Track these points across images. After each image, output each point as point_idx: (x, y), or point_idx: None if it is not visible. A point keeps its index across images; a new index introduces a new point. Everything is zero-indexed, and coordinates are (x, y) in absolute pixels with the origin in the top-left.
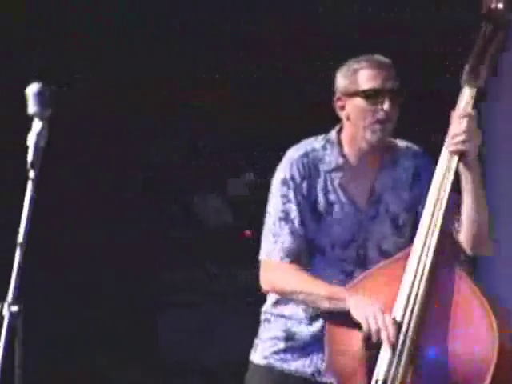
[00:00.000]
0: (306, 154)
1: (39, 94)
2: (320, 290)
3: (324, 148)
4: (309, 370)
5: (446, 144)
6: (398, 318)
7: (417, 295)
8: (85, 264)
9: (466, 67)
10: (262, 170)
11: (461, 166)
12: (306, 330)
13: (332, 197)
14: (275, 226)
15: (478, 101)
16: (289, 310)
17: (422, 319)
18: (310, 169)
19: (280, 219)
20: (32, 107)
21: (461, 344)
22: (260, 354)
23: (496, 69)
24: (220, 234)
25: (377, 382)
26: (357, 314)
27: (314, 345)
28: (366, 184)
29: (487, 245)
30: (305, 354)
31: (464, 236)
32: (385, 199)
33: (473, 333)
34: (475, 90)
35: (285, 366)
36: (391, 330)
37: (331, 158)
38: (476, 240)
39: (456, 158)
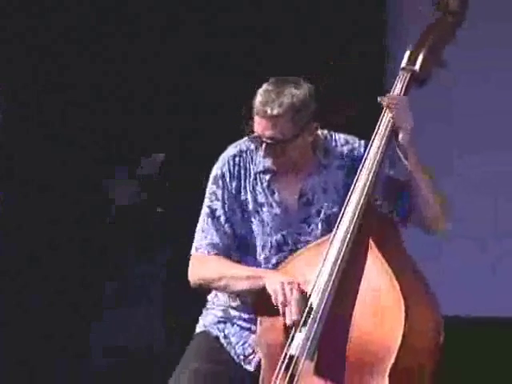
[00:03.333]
0: (239, 153)
1: None
2: (239, 272)
3: (257, 149)
4: (238, 350)
5: (377, 129)
6: (318, 295)
7: (336, 274)
8: None
9: (407, 52)
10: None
11: (397, 150)
12: (243, 316)
13: (261, 198)
14: (204, 222)
15: (415, 86)
16: (228, 301)
17: (336, 299)
18: (240, 168)
19: (207, 215)
20: None
21: (369, 324)
22: (200, 324)
23: (442, 61)
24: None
25: (286, 355)
26: (269, 288)
27: (249, 331)
28: (295, 187)
29: (441, 222)
30: (240, 336)
31: (417, 217)
32: (315, 202)
33: (381, 316)
34: (410, 74)
35: (221, 335)
36: (294, 304)
37: (261, 160)
38: (429, 219)
39: (385, 141)
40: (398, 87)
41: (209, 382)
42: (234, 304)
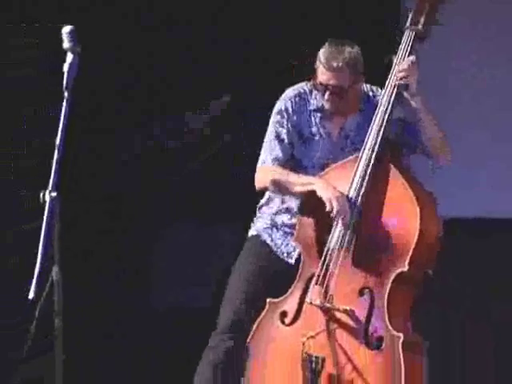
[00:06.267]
0: (298, 94)
1: (70, 33)
2: (296, 178)
3: (311, 92)
4: (283, 249)
5: (389, 79)
6: (352, 200)
7: (362, 187)
8: None
9: (410, 14)
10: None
11: (407, 96)
12: (286, 221)
13: (313, 129)
14: (270, 143)
15: (418, 42)
16: (275, 206)
17: (367, 204)
18: (299, 106)
19: (274, 138)
20: (66, 43)
21: (392, 223)
22: (253, 229)
23: (436, 19)
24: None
25: (329, 248)
26: (322, 195)
27: (291, 235)
28: (338, 124)
29: (446, 154)
30: (283, 239)
31: (423, 148)
32: (351, 136)
33: (402, 216)
34: (414, 33)
35: (268, 239)
36: (347, 211)
37: (315, 101)
38: (436, 151)
39: (397, 91)
40: (404, 45)
41: (263, 275)
42: (283, 207)
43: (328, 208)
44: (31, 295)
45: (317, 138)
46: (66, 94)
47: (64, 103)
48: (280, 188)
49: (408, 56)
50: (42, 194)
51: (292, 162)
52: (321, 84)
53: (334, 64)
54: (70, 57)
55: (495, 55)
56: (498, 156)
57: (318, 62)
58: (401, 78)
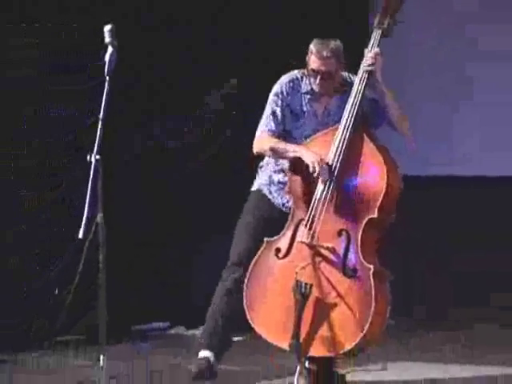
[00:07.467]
0: (291, 80)
1: (111, 30)
2: (285, 146)
3: (302, 78)
4: (280, 201)
5: (361, 66)
6: (330, 163)
7: (341, 151)
8: None
9: (377, 16)
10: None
11: (372, 82)
12: (281, 179)
13: (304, 108)
14: (267, 118)
15: (383, 37)
16: (271, 165)
17: (343, 166)
18: (292, 89)
19: (270, 114)
20: (107, 38)
21: (365, 180)
22: (255, 185)
23: (396, 19)
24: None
25: (315, 199)
26: (306, 159)
27: (284, 190)
28: (323, 104)
29: (405, 127)
30: (279, 192)
31: (388, 121)
32: (333, 113)
33: (373, 174)
34: (381, 31)
35: (267, 192)
36: (326, 171)
37: (305, 85)
38: (397, 124)
39: (366, 76)
40: (373, 40)
41: (264, 221)
42: (277, 168)
43: (311, 170)
44: (80, 235)
45: (305, 115)
46: (107, 79)
47: (106, 87)
48: (273, 153)
49: (375, 49)
50: (88, 156)
51: (284, 133)
52: (313, 70)
53: (324, 53)
54: (110, 49)
55: (455, 28)
56: (458, 127)
57: (309, 54)
58: (368, 65)
